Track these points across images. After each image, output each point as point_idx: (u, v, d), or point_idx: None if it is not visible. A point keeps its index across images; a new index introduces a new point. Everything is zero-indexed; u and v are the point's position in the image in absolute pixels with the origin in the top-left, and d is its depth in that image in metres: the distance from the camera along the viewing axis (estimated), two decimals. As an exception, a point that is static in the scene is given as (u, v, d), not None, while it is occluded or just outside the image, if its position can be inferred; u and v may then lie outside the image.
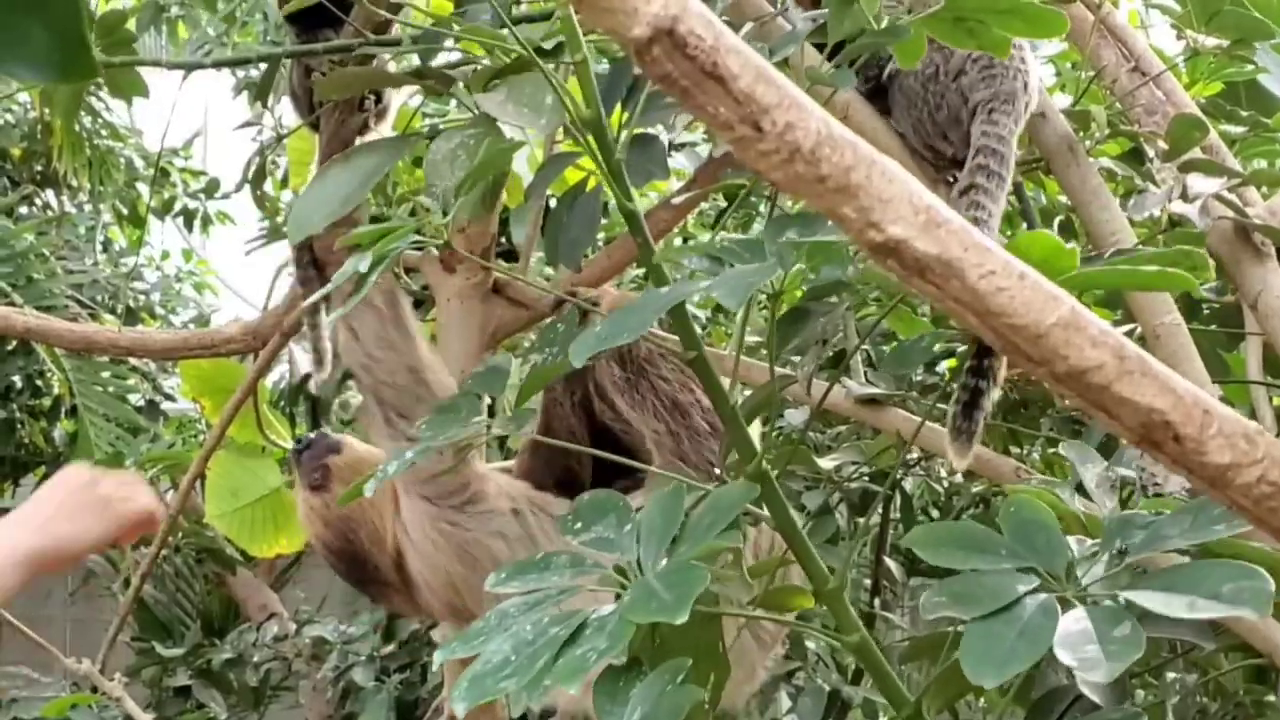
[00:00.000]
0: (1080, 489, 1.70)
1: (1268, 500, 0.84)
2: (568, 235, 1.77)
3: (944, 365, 2.89)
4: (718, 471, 2.01)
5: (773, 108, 0.76)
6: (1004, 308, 0.81)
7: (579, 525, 1.45)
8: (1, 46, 0.58)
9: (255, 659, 4.78)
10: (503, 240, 4.05)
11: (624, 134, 1.58)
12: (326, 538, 2.29)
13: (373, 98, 2.45)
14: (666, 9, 0.73)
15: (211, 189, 7.26)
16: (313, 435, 2.41)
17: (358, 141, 2.42)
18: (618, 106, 1.68)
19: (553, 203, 2.42)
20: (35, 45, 0.58)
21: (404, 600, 2.33)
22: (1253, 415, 2.09)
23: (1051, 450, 2.90)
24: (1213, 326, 2.31)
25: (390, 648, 4.14)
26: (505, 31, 1.62)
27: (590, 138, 1.50)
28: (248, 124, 3.69)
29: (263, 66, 2.70)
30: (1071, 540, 1.36)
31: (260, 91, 2.75)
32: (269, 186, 6.97)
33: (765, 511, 1.49)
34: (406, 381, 2.23)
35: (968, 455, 1.88)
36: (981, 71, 1.98)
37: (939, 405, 2.72)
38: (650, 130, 1.72)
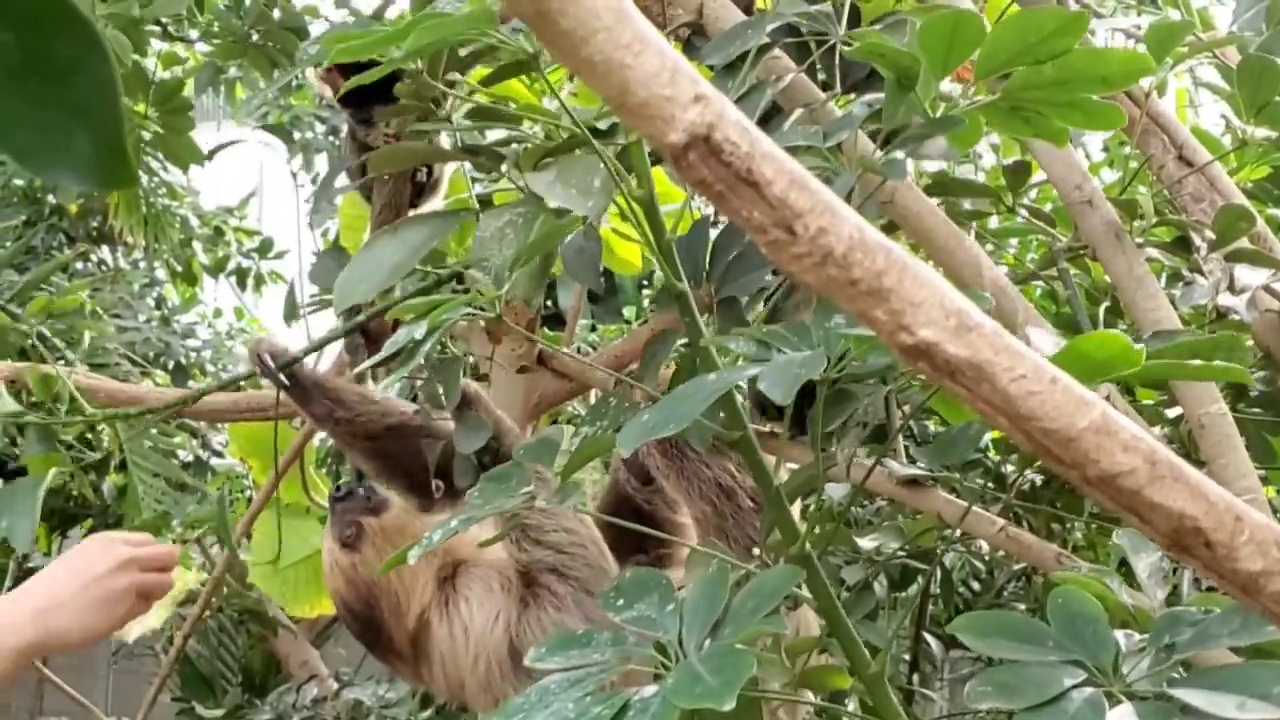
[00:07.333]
0: (1128, 576, 1.68)
1: (1299, 608, 0.84)
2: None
3: (988, 438, 2.87)
4: (757, 551, 2.01)
5: (806, 213, 0.77)
6: (1035, 411, 0.81)
7: (621, 602, 1.43)
8: (46, 153, 0.60)
9: (294, 720, 4.77)
10: (549, 304, 4.06)
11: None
12: (347, 596, 2.25)
13: (424, 170, 2.49)
14: (703, 116, 0.75)
15: (265, 248, 7.35)
16: (357, 487, 2.32)
17: (410, 212, 2.46)
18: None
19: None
20: (77, 153, 0.59)
21: (409, 671, 2.28)
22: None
23: (1095, 525, 2.87)
24: (1257, 410, 2.30)
25: (427, 713, 4.12)
26: (560, 110, 1.64)
27: (642, 216, 1.51)
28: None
29: (317, 129, 2.76)
30: (1119, 633, 1.35)
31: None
32: (320, 245, 7.07)
33: (807, 593, 1.48)
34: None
35: None
36: None
37: (985, 485, 2.71)
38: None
